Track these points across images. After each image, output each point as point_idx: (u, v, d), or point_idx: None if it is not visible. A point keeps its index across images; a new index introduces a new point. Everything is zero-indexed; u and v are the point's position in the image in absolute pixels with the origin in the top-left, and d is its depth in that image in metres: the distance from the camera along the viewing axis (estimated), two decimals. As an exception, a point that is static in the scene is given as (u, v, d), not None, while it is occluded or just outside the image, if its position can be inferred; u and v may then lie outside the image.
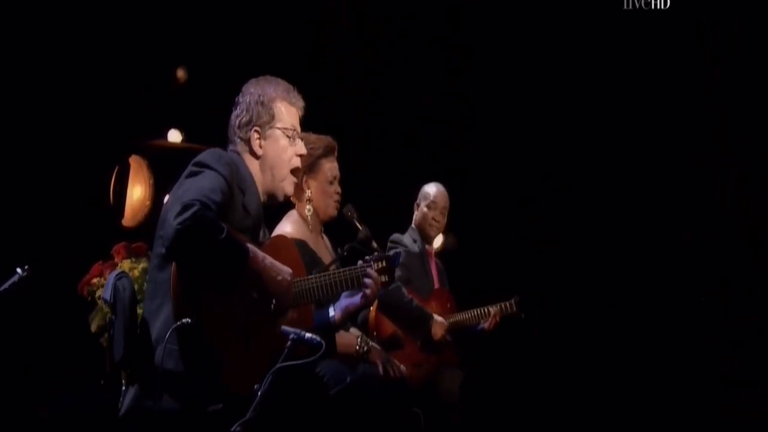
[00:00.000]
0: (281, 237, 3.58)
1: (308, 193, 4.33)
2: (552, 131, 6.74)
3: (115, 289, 3.31)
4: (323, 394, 3.44)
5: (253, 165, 3.44)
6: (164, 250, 3.04)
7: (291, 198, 4.39)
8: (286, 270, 3.21)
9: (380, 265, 3.61)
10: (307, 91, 3.62)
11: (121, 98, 6.11)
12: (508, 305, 5.54)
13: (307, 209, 4.32)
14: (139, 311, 3.31)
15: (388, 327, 5.27)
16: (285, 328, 3.06)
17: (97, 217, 5.55)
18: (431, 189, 5.81)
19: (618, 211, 6.71)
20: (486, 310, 5.50)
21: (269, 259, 3.16)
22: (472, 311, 5.53)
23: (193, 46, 6.61)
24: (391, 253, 3.80)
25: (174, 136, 6.92)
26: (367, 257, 3.64)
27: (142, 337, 3.18)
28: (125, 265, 4.12)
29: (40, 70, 5.64)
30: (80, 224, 5.47)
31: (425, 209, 5.75)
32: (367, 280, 3.55)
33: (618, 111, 6.54)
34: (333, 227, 4.48)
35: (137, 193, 5.68)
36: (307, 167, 4.33)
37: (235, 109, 3.50)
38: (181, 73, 6.87)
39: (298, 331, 3.04)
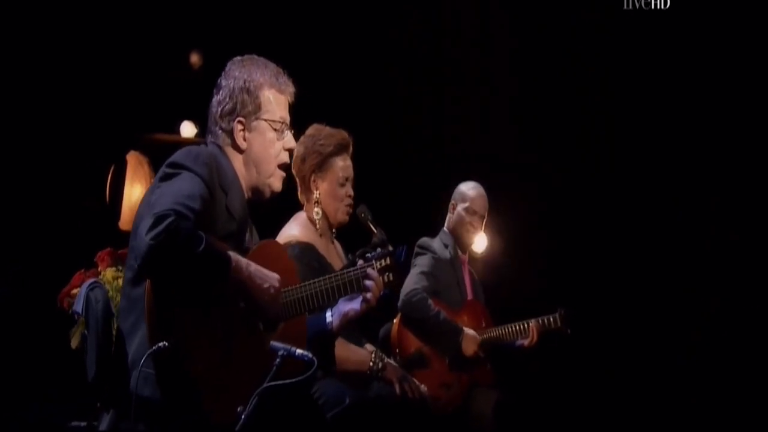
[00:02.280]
0: (271, 242, 3.53)
1: (316, 194, 4.32)
2: (552, 130, 7.01)
3: (87, 301, 3.30)
4: (319, 418, 3.41)
5: (236, 159, 3.38)
6: (136, 266, 3.01)
7: (299, 198, 4.46)
8: (272, 276, 3.15)
9: (383, 264, 3.53)
10: (325, 78, 3.58)
11: (124, 86, 6.19)
12: (551, 319, 5.48)
13: (315, 212, 4.31)
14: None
15: (413, 342, 5.26)
16: (274, 343, 3.04)
17: (91, 220, 5.63)
18: (469, 190, 5.72)
19: (676, 213, 6.80)
20: (525, 324, 5.44)
21: (254, 266, 3.10)
22: (509, 326, 5.46)
23: (209, 27, 6.67)
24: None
25: (187, 129, 6.99)
26: (367, 255, 3.54)
27: (117, 355, 3.14)
28: (108, 274, 4.19)
29: (30, 53, 5.74)
30: (71, 227, 5.57)
31: (462, 213, 5.68)
32: (368, 282, 3.47)
33: (622, 112, 6.83)
34: (347, 230, 4.46)
35: (137, 192, 5.70)
36: (317, 165, 4.33)
37: (217, 93, 3.42)
38: (195, 58, 6.95)
39: (288, 347, 3.00)
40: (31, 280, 5.37)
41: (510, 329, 5.48)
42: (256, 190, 3.42)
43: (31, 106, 5.79)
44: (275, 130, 3.42)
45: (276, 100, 3.44)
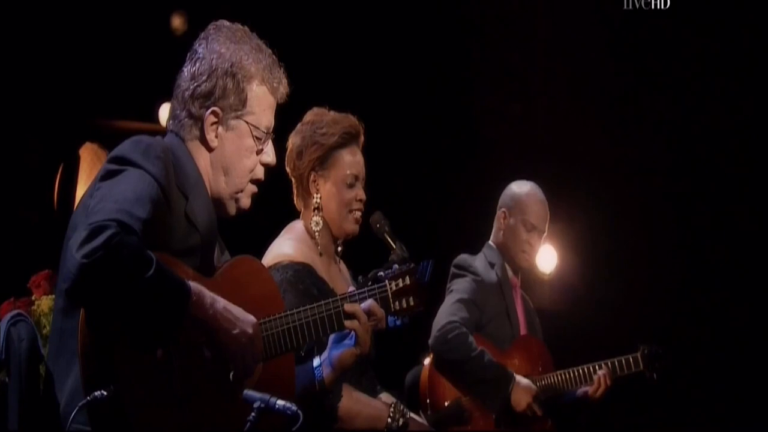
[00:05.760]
0: (246, 259, 3.40)
1: (316, 198, 4.24)
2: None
3: (8, 339, 3.22)
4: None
5: (201, 157, 3.30)
6: (65, 290, 2.93)
7: (295, 204, 4.40)
8: (246, 320, 3.07)
9: (400, 284, 3.52)
10: (330, 56, 3.53)
11: (75, 58, 6.20)
12: (630, 361, 5.44)
13: (315, 222, 4.22)
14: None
15: (449, 392, 5.25)
16: (248, 393, 2.98)
17: (34, 229, 5.66)
18: (524, 196, 5.65)
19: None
20: (593, 368, 5.39)
21: (221, 303, 3.02)
22: (574, 370, 5.41)
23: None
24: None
25: (167, 113, 6.99)
26: (380, 273, 3.52)
27: (46, 405, 3.08)
28: (44, 303, 4.15)
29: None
30: (9, 238, 5.60)
31: (516, 227, 5.61)
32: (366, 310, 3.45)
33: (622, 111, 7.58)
34: (358, 245, 4.41)
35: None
36: (318, 160, 4.24)
37: (191, 63, 3.32)
38: (177, 22, 6.95)
39: (266, 396, 2.95)
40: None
41: (575, 375, 5.42)
42: (219, 203, 3.35)
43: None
44: (256, 138, 3.34)
45: (264, 100, 3.37)
